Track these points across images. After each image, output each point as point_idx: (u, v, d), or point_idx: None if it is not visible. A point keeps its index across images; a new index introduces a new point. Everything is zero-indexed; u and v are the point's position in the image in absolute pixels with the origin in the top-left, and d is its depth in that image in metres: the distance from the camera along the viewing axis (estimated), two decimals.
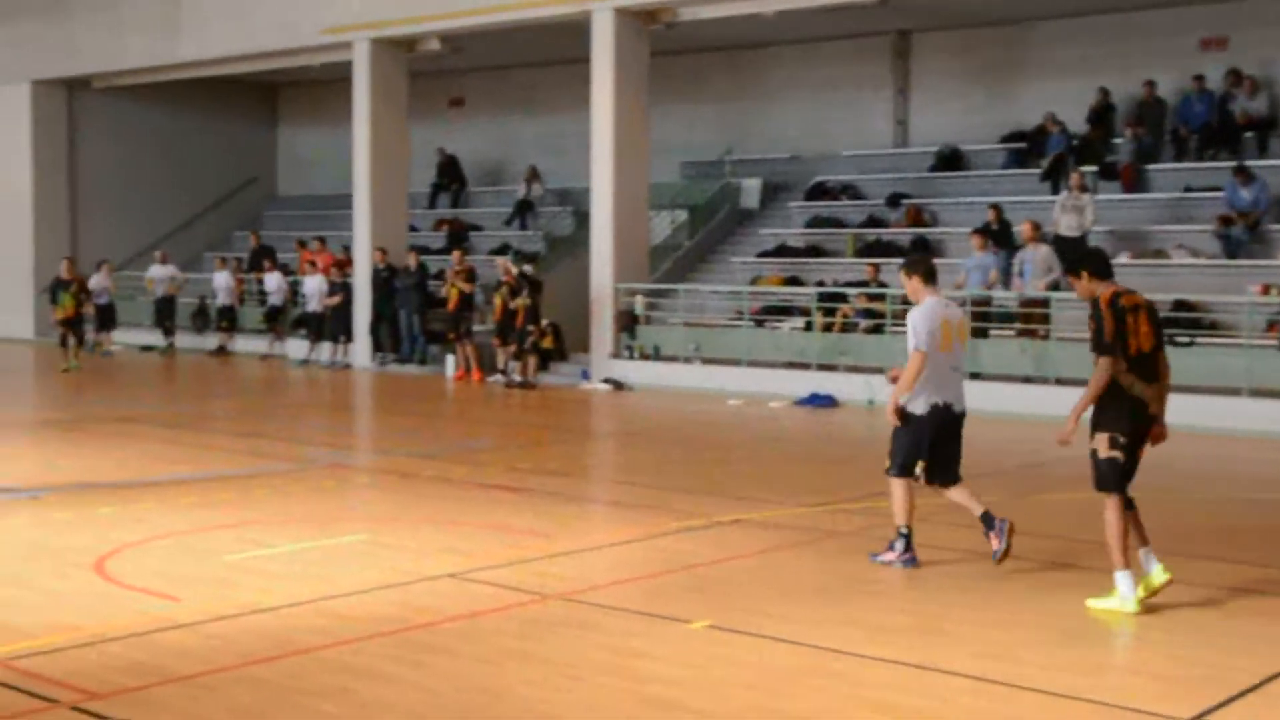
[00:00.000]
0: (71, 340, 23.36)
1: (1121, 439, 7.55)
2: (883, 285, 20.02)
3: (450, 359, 23.07)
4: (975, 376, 17.95)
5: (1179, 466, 13.33)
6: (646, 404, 19.57)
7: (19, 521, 9.93)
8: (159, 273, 28.15)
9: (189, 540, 9.28)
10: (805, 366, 19.89)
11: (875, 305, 19.74)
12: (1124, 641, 7.25)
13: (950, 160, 24.36)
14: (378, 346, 24.88)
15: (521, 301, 21.20)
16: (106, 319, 26.53)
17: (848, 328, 19.96)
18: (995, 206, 20.66)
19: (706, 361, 21.11)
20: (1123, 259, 19.88)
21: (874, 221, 23.79)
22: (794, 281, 22.64)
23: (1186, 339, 17.39)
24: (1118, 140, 22.21)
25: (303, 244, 28.65)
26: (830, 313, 20.41)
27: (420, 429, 16.74)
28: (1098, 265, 7.86)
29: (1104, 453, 7.60)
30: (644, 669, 6.38)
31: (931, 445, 8.62)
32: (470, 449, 14.56)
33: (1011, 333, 18.59)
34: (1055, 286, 17.91)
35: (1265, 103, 21.23)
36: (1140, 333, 7.60)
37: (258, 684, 6.10)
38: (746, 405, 18.85)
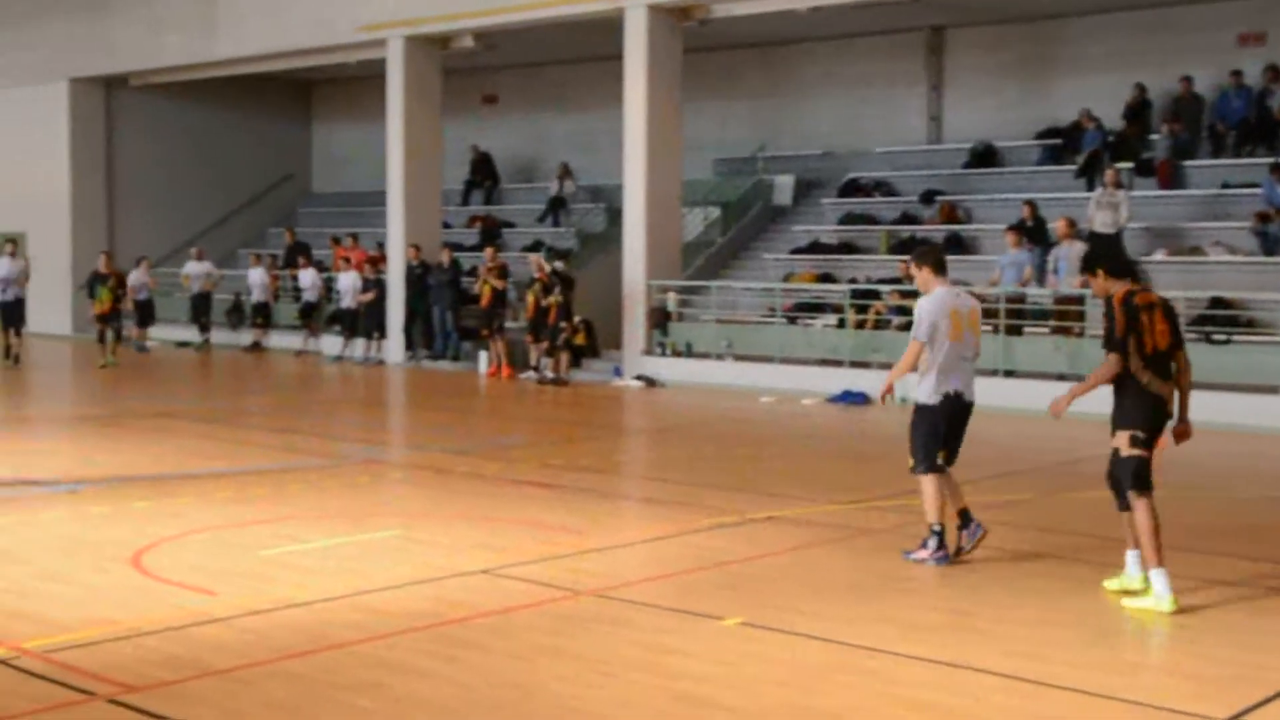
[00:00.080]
0: (109, 335, 23.55)
1: (1142, 435, 7.59)
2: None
3: (483, 355, 23.15)
4: (1010, 374, 17.94)
5: (1215, 464, 13.26)
6: (679, 401, 19.58)
7: (57, 515, 10.02)
8: (195, 269, 28.32)
9: (225, 535, 9.34)
10: (838, 364, 19.85)
11: (908, 302, 19.63)
12: (1157, 640, 7.21)
13: (984, 157, 24.25)
14: (410, 343, 24.98)
15: (554, 299, 21.24)
16: (145, 315, 26.72)
17: (880, 325, 19.90)
18: (1030, 203, 20.56)
19: (739, 358, 21.10)
20: (1159, 256, 19.79)
21: (907, 218, 23.71)
22: (827, 278, 22.59)
23: (1223, 337, 17.27)
24: (1154, 136, 22.05)
25: (337, 241, 28.78)
26: (863, 310, 20.36)
27: (453, 425, 16.80)
28: (1113, 264, 7.89)
29: (1126, 451, 7.63)
30: (676, 665, 6.38)
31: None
32: (503, 445, 14.60)
33: (1046, 330, 18.49)
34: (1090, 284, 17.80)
35: None
36: (1156, 330, 7.61)
37: (293, 678, 6.14)
38: (779, 402, 18.83)
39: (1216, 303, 17.85)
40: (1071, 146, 22.82)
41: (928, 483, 8.68)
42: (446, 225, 27.91)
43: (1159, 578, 7.47)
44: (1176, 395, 7.74)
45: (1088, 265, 7.98)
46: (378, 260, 26.16)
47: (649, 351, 21.86)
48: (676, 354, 21.72)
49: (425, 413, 18.85)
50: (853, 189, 25.22)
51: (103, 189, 32.29)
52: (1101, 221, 19.13)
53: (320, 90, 35.87)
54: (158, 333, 27.76)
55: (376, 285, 25.20)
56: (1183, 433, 7.81)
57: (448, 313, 24.39)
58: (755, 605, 7.51)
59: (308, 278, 27.08)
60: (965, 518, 8.70)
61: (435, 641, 6.75)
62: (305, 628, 6.96)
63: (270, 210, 34.70)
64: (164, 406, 17.66)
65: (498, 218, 29.82)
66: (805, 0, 21.38)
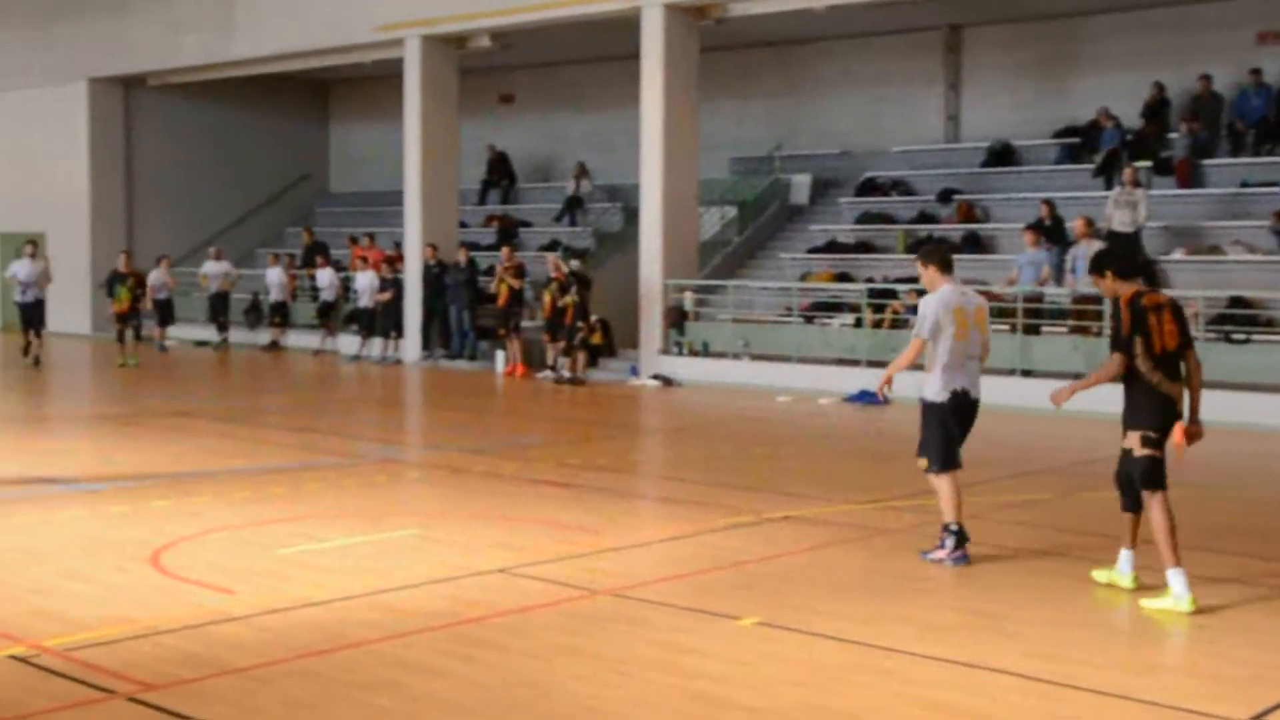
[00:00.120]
0: (128, 335, 23.62)
1: (1153, 435, 7.62)
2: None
3: (500, 354, 23.19)
4: (1027, 373, 17.89)
5: (1234, 464, 13.21)
6: (695, 400, 19.58)
7: (76, 514, 10.07)
8: (213, 269, 28.42)
9: (243, 534, 9.38)
10: (855, 363, 19.82)
11: None
12: (1176, 641, 7.19)
13: (1002, 156, 24.20)
14: (427, 342, 25.03)
15: (570, 298, 21.26)
16: (165, 314, 26.80)
17: (898, 324, 19.86)
18: (1048, 202, 20.50)
19: (755, 358, 21.09)
20: (1177, 255, 19.72)
21: (925, 217, 23.67)
22: (844, 278, 22.56)
23: (1243, 336, 17.21)
24: (1173, 135, 21.99)
25: (354, 240, 28.85)
26: (880, 309, 20.34)
27: (470, 424, 16.83)
28: (1121, 265, 7.95)
29: (1138, 451, 7.66)
30: (693, 665, 6.38)
31: None
32: (520, 445, 14.62)
33: (1064, 329, 18.44)
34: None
35: None
36: (1164, 331, 7.65)
37: (310, 677, 6.16)
38: (795, 402, 18.81)
39: (1235, 302, 17.78)
40: (1090, 145, 22.75)
41: (943, 483, 8.68)
42: (463, 224, 27.96)
43: (1177, 577, 7.46)
44: (1187, 396, 7.76)
45: (1096, 266, 8.05)
46: (395, 260, 26.21)
47: (666, 351, 21.86)
48: (693, 353, 21.72)
49: (442, 412, 18.89)
50: (870, 188, 25.18)
51: (121, 189, 32.43)
52: (1120, 220, 19.08)
53: (337, 90, 35.98)
54: (176, 332, 27.84)
55: (394, 285, 25.26)
56: (1194, 433, 7.82)
57: (464, 312, 24.43)
58: (772, 605, 7.51)
59: (325, 277, 27.16)
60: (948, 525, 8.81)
61: (452, 640, 6.76)
62: (323, 626, 6.98)
63: (288, 210, 34.81)
64: (183, 406, 17.72)
65: (514, 217, 29.86)
66: None
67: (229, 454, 13.37)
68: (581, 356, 21.49)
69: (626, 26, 22.61)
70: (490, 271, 24.58)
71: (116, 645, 6.60)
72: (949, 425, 8.70)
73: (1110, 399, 7.93)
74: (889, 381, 8.93)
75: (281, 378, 23.41)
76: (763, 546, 9.16)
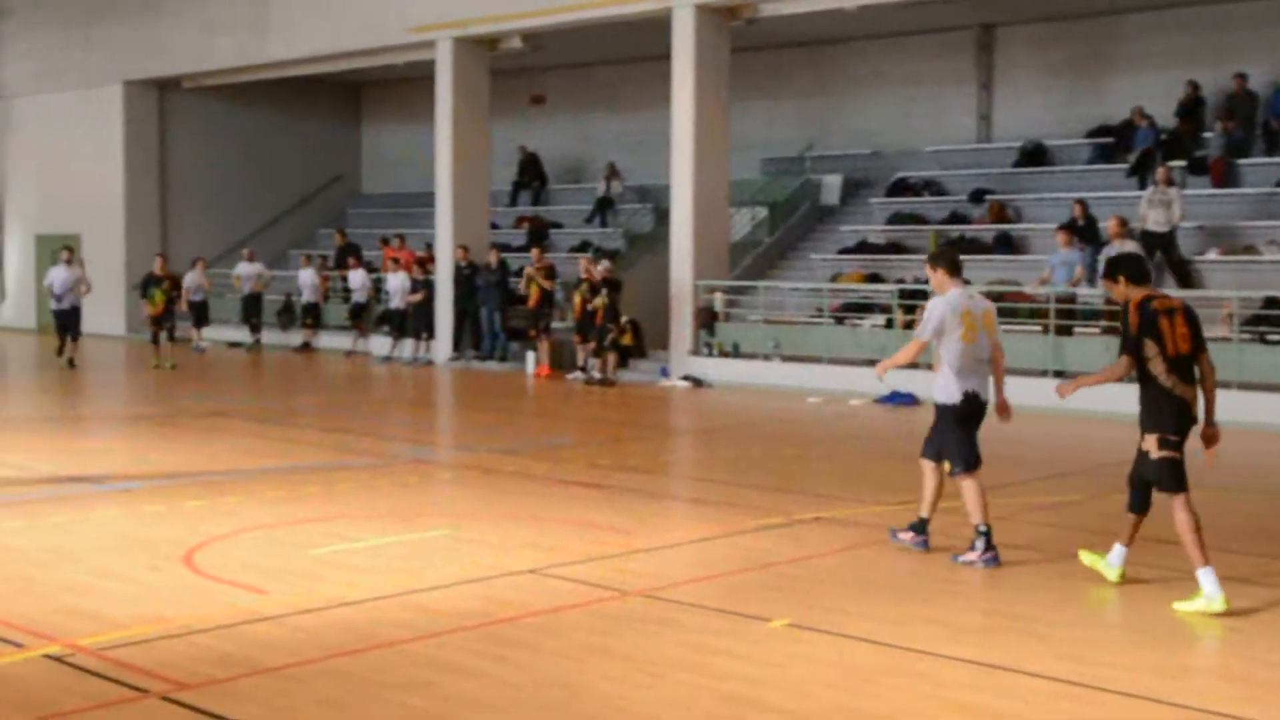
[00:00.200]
0: (163, 338, 23.77)
1: (1171, 437, 7.65)
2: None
3: (531, 356, 23.24)
4: (1059, 374, 17.78)
5: (1267, 465, 13.11)
6: (725, 401, 19.57)
7: (111, 513, 10.16)
8: (246, 270, 28.60)
9: (276, 533, 9.44)
10: None
11: None
12: (1208, 643, 7.15)
13: (1034, 155, 24.08)
14: (458, 343, 25.10)
15: (600, 300, 21.29)
16: (200, 316, 26.97)
17: None
18: (1081, 202, 20.40)
19: (786, 359, 21.06)
20: (1212, 255, 19.59)
21: (956, 218, 23.58)
22: (875, 279, 22.50)
23: (1278, 337, 17.07)
24: (1207, 134, 21.83)
25: (385, 241, 28.97)
26: (911, 310, 20.25)
27: (501, 425, 16.87)
28: (1134, 270, 8.01)
29: (1156, 454, 7.69)
30: (723, 666, 6.39)
31: None
32: (551, 445, 14.65)
33: (1097, 330, 18.34)
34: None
35: None
36: (1177, 335, 7.68)
37: (343, 676, 6.19)
38: (826, 403, 18.78)
39: (1270, 302, 17.63)
40: (1123, 145, 22.61)
41: (968, 484, 8.72)
42: (494, 226, 28.03)
43: (1207, 577, 7.43)
44: (1201, 399, 7.80)
45: (1110, 272, 8.14)
46: (426, 261, 26.30)
47: (696, 352, 21.86)
48: (723, 354, 21.71)
49: (473, 413, 18.94)
50: (901, 188, 25.11)
51: (155, 190, 32.66)
52: (1154, 220, 18.96)
53: (369, 92, 36.12)
54: (209, 333, 28.01)
55: (425, 286, 25.35)
56: (1211, 436, 7.84)
57: (495, 313, 24.49)
58: (802, 606, 7.51)
59: (357, 278, 27.27)
60: (923, 528, 9.00)
61: (484, 641, 6.79)
62: (355, 626, 7.02)
63: (320, 211, 34.97)
64: (216, 406, 17.84)
65: (545, 218, 29.91)
66: None
67: (262, 454, 13.45)
68: (612, 358, 21.51)
69: (657, 27, 22.63)
70: (521, 273, 24.65)
71: (150, 644, 6.65)
72: (963, 423, 8.79)
73: (1135, 399, 7.93)
74: (884, 369, 9.31)
75: (314, 378, 23.53)
76: (793, 548, 9.16)
